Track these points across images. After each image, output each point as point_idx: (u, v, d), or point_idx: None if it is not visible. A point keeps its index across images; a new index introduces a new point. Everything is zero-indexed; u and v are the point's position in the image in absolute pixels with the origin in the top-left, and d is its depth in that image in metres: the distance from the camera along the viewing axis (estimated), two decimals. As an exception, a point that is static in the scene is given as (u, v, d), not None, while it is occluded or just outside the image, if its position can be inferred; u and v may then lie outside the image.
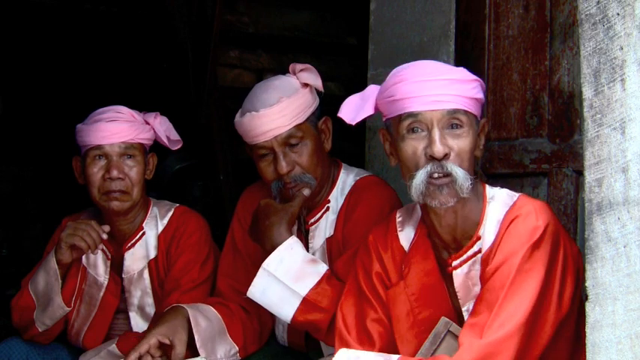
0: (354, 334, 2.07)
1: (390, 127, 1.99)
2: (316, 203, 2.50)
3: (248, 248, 2.55)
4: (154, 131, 2.67)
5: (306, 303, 2.24)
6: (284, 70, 2.52)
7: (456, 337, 1.96)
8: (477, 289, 1.95)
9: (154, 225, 2.71)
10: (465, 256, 1.98)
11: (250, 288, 2.29)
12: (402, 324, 2.03)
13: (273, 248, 2.29)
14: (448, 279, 2.02)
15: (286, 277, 2.26)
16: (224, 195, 4.18)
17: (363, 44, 3.25)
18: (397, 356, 1.91)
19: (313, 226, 2.49)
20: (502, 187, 2.05)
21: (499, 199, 1.98)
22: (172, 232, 2.69)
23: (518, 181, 2.73)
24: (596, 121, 1.61)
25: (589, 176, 1.63)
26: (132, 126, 2.60)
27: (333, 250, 2.45)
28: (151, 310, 2.69)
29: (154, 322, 2.53)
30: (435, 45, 2.91)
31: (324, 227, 2.48)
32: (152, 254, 2.70)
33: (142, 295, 2.69)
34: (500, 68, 2.80)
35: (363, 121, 2.07)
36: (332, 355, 2.04)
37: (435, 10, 2.92)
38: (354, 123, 2.03)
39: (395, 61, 2.95)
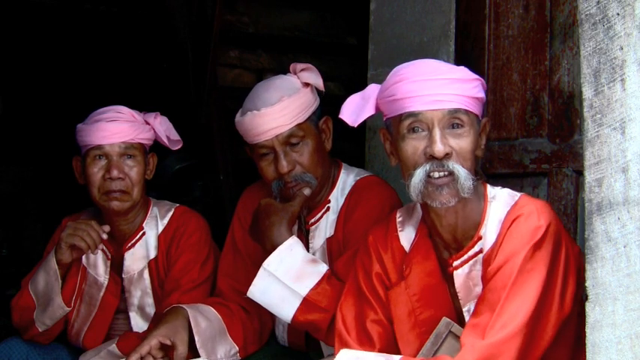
0: (353, 334, 2.07)
1: (390, 126, 1.98)
2: (317, 203, 2.50)
3: (248, 248, 2.55)
4: (154, 131, 2.67)
5: (307, 303, 2.24)
6: (284, 70, 2.52)
7: (457, 337, 1.96)
8: (478, 289, 1.95)
9: (154, 225, 2.71)
10: (465, 256, 1.98)
11: (250, 288, 2.29)
12: (404, 324, 2.03)
13: (274, 248, 2.29)
14: (449, 279, 2.01)
15: (286, 277, 2.25)
16: (224, 195, 4.18)
17: (363, 44, 3.25)
18: (399, 357, 1.91)
19: (313, 226, 2.49)
20: (502, 187, 2.05)
21: (500, 199, 1.97)
22: (172, 232, 2.69)
23: (518, 181, 2.72)
24: (596, 121, 1.61)
25: (589, 176, 1.63)
26: (132, 126, 2.60)
27: (333, 250, 2.45)
28: (151, 310, 2.69)
29: (155, 323, 2.53)
30: (435, 45, 2.91)
31: (324, 227, 2.48)
32: (152, 254, 2.70)
33: (142, 295, 2.69)
34: (500, 68, 2.79)
35: (364, 121, 2.07)
36: (332, 355, 2.04)
37: (435, 10, 2.92)
38: (355, 125, 2.03)
39: (395, 61, 2.94)
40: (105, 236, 2.53)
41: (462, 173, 1.87)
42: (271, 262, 2.27)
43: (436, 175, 1.87)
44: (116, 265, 2.72)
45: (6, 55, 4.72)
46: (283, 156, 2.36)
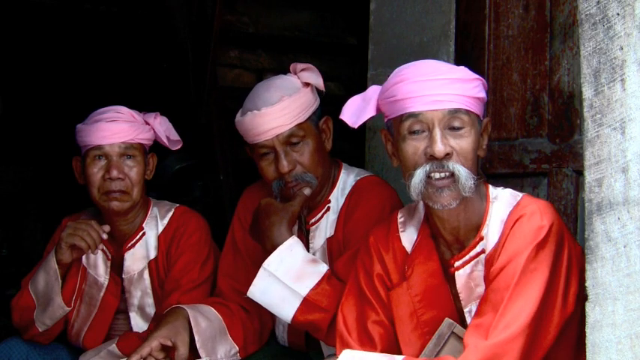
0: (354, 335, 2.07)
1: (391, 127, 1.98)
2: (317, 203, 2.50)
3: (248, 248, 2.55)
4: (154, 131, 2.67)
5: (307, 303, 2.24)
6: (284, 70, 2.52)
7: (459, 338, 1.95)
8: (480, 289, 1.95)
9: (154, 225, 2.71)
10: (467, 257, 1.98)
11: (251, 288, 2.29)
12: (406, 325, 2.03)
13: (274, 248, 2.28)
14: (451, 280, 2.01)
15: (287, 277, 2.25)
16: (224, 195, 4.18)
17: (363, 44, 3.25)
18: (401, 357, 1.91)
19: (314, 226, 2.49)
20: (503, 187, 2.05)
21: (503, 199, 1.97)
22: (172, 232, 2.69)
23: (518, 181, 2.72)
24: (596, 121, 1.61)
25: (589, 176, 1.63)
26: (132, 126, 2.60)
27: (333, 250, 2.45)
28: (151, 310, 2.69)
29: (155, 323, 2.53)
30: (435, 45, 2.91)
31: (324, 227, 2.48)
32: (152, 254, 2.70)
33: (142, 295, 2.69)
34: (500, 68, 2.79)
35: (364, 121, 2.07)
36: (333, 355, 2.04)
37: (435, 10, 2.92)
38: (356, 126, 2.02)
39: (395, 61, 2.96)
40: (105, 236, 2.53)
41: (463, 173, 1.86)
42: (271, 262, 2.27)
43: (437, 175, 1.87)
44: (116, 266, 2.72)
45: (6, 55, 4.72)
46: (284, 156, 2.36)
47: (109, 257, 2.72)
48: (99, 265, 2.71)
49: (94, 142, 2.58)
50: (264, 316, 2.52)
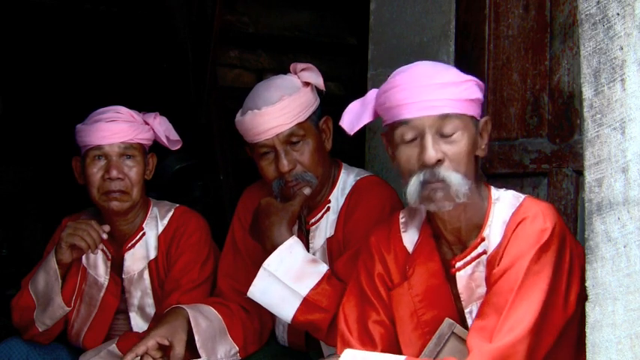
0: (355, 335, 2.07)
1: (389, 132, 1.98)
2: (317, 203, 2.50)
3: (248, 248, 2.55)
4: (154, 131, 2.67)
5: (307, 303, 2.24)
6: (284, 70, 2.52)
7: (460, 338, 1.96)
8: (481, 290, 1.95)
9: (154, 225, 2.71)
10: (468, 258, 1.98)
11: (251, 288, 2.29)
12: (406, 325, 2.03)
13: (274, 248, 2.28)
14: (452, 280, 2.01)
15: (287, 277, 2.25)
16: (224, 195, 4.18)
17: (363, 44, 3.25)
18: (403, 357, 1.91)
19: (314, 226, 2.49)
20: (502, 187, 2.05)
21: (505, 201, 1.97)
22: (172, 232, 2.69)
23: (518, 181, 2.73)
24: (596, 121, 1.61)
25: (589, 176, 1.63)
26: (131, 126, 2.60)
27: (333, 250, 2.45)
28: (151, 310, 2.69)
29: (155, 323, 2.53)
30: (435, 45, 2.91)
31: (324, 227, 2.48)
32: (152, 255, 2.70)
33: (142, 295, 2.69)
34: (500, 68, 2.79)
35: (364, 121, 2.07)
36: (334, 354, 2.04)
37: (435, 10, 2.92)
38: (352, 133, 2.02)
39: (395, 61, 2.96)
40: (105, 236, 2.53)
41: (454, 180, 1.86)
42: (271, 262, 2.27)
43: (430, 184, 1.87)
44: (116, 266, 2.72)
45: (6, 55, 4.72)
46: (284, 155, 2.36)
47: (109, 257, 2.72)
48: (99, 266, 2.71)
49: (94, 142, 2.58)
50: (264, 316, 2.52)
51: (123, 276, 2.70)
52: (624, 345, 1.55)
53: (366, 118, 2.01)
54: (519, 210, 1.92)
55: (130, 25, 4.81)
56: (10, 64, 4.75)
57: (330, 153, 2.51)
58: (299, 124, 2.37)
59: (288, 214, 2.33)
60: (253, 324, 2.53)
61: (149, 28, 4.68)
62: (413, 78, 1.89)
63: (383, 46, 3.09)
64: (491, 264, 1.92)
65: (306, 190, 2.38)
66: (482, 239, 1.95)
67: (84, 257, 2.67)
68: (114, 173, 2.56)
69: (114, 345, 2.58)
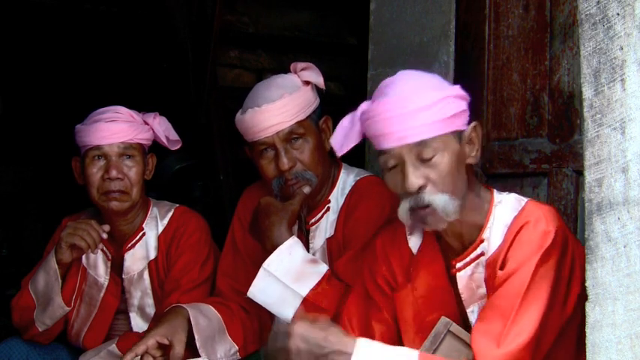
0: (357, 333, 2.07)
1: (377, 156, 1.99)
2: (317, 203, 2.50)
3: (248, 248, 2.55)
4: (153, 131, 2.67)
5: (307, 303, 2.24)
6: (284, 70, 2.52)
7: (456, 337, 1.96)
8: (481, 291, 1.96)
9: (154, 225, 2.71)
10: (468, 259, 1.98)
11: (251, 288, 2.29)
12: (410, 326, 2.04)
13: (274, 248, 2.29)
14: (453, 281, 2.02)
15: (286, 278, 2.26)
16: (224, 195, 4.18)
17: (363, 44, 3.25)
18: (416, 352, 1.90)
19: (314, 226, 2.49)
20: (502, 187, 2.05)
21: (507, 204, 1.97)
22: (172, 232, 2.69)
23: (518, 181, 2.72)
24: (596, 121, 1.61)
25: (589, 176, 1.63)
26: (131, 126, 2.60)
27: (333, 251, 2.45)
28: (151, 310, 2.69)
29: (155, 322, 2.53)
30: (435, 45, 2.90)
31: (324, 227, 2.48)
32: (152, 255, 2.70)
33: (142, 295, 2.69)
34: (500, 68, 2.79)
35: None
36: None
37: (435, 10, 2.92)
38: (340, 154, 2.02)
39: (395, 61, 2.96)
40: (105, 236, 2.53)
41: (440, 202, 1.86)
42: (271, 263, 2.27)
43: (418, 206, 1.88)
44: (116, 266, 2.72)
45: (6, 55, 4.72)
46: (284, 153, 2.36)
47: (109, 257, 2.72)
48: (99, 266, 2.71)
49: (93, 142, 2.57)
50: (263, 316, 2.52)
51: (123, 276, 2.70)
52: (624, 345, 1.55)
53: (353, 140, 2.00)
54: (522, 213, 1.93)
55: (130, 25, 4.81)
56: (10, 64, 4.75)
57: (329, 153, 2.51)
58: (299, 122, 2.37)
59: (288, 213, 2.33)
60: (253, 324, 2.53)
61: (149, 28, 4.68)
62: (387, 107, 1.87)
63: (383, 46, 3.09)
64: (490, 266, 1.93)
65: (306, 189, 2.38)
66: (482, 241, 1.96)
67: (84, 257, 2.67)
68: (113, 173, 2.56)
69: (114, 345, 2.58)
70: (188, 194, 4.28)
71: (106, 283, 2.70)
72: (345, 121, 2.02)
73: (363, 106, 1.98)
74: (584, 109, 1.63)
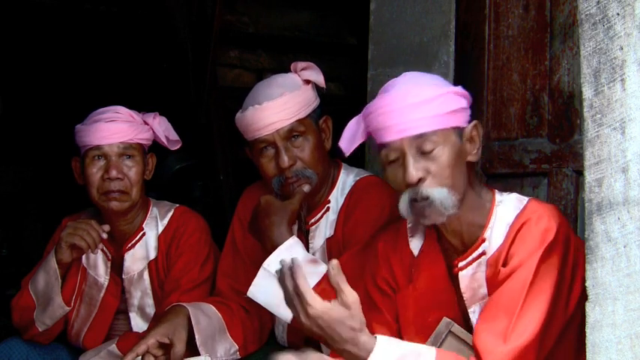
0: None
1: (378, 151, 2.00)
2: (316, 203, 2.50)
3: (248, 248, 2.55)
4: (153, 131, 2.67)
5: (306, 303, 2.24)
6: (284, 70, 2.52)
7: (457, 337, 1.96)
8: (483, 290, 1.97)
9: (154, 225, 2.71)
10: (470, 258, 1.99)
11: (251, 288, 2.29)
12: (411, 327, 2.05)
13: (274, 248, 2.29)
14: (455, 281, 2.03)
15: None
16: (224, 195, 4.18)
17: (363, 44, 3.25)
18: (434, 349, 1.90)
19: (313, 226, 2.49)
20: (502, 187, 2.06)
21: (508, 203, 1.98)
22: (172, 232, 2.69)
23: (518, 181, 2.72)
24: (596, 121, 1.61)
25: (589, 176, 1.63)
26: (131, 126, 2.60)
27: (333, 251, 2.45)
28: (151, 310, 2.69)
29: (155, 321, 2.53)
30: (435, 45, 2.90)
31: (324, 227, 2.48)
32: (152, 255, 2.70)
33: (142, 295, 2.69)
34: (500, 68, 2.79)
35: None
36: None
37: (435, 10, 2.92)
38: (347, 154, 2.05)
39: (395, 61, 2.96)
40: (105, 235, 2.53)
41: (438, 196, 1.87)
42: (271, 262, 2.27)
43: (417, 199, 1.90)
44: (116, 266, 2.72)
45: (6, 55, 4.72)
46: (284, 151, 2.36)
47: (109, 257, 2.72)
48: (99, 266, 2.71)
49: (93, 142, 2.58)
50: (263, 316, 2.52)
51: (123, 276, 2.70)
52: (624, 345, 1.55)
53: (360, 139, 2.04)
54: (523, 212, 1.93)
55: (130, 25, 4.81)
56: (10, 64, 4.75)
57: (329, 153, 2.51)
58: (299, 121, 2.38)
59: (288, 212, 2.33)
60: (253, 323, 2.53)
61: (149, 28, 4.68)
62: (389, 101, 1.91)
63: (383, 46, 3.09)
64: (492, 265, 1.93)
65: (306, 188, 2.38)
66: (483, 240, 1.97)
67: (84, 257, 2.67)
68: (113, 173, 2.56)
69: (114, 345, 2.58)
70: (188, 194, 4.28)
71: (106, 283, 2.70)
72: (352, 123, 2.06)
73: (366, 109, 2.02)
74: (584, 109, 1.63)
